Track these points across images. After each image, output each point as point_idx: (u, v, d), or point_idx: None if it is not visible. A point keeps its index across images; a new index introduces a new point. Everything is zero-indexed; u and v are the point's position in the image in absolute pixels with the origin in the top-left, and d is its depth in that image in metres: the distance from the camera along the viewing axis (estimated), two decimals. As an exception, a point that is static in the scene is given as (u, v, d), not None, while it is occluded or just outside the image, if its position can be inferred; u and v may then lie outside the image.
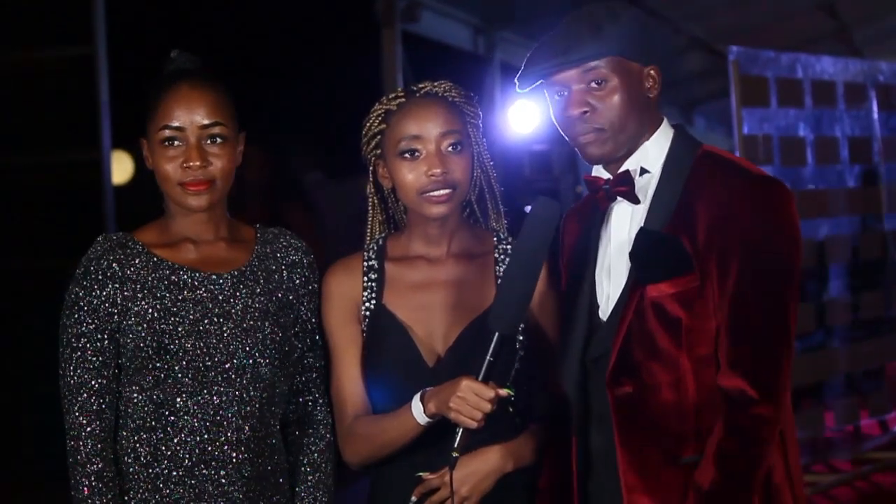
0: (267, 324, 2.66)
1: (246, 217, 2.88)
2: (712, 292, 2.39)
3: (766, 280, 2.38)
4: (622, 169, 2.50)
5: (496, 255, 2.78)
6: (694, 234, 2.40)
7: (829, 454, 7.03)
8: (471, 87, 2.83)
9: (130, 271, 2.63)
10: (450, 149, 2.70)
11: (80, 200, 7.28)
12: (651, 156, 2.51)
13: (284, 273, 2.75)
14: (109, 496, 2.57)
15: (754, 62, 6.58)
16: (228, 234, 2.74)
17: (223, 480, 2.61)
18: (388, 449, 2.67)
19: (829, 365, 6.90)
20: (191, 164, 2.61)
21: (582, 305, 2.54)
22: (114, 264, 2.63)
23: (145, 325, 2.60)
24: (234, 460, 2.62)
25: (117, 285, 2.62)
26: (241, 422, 2.62)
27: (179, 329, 2.60)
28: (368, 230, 2.86)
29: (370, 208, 2.86)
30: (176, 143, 2.63)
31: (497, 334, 2.50)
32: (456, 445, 2.52)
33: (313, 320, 2.78)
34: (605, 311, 2.51)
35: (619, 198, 2.51)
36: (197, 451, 2.61)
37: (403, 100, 2.74)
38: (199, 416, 2.60)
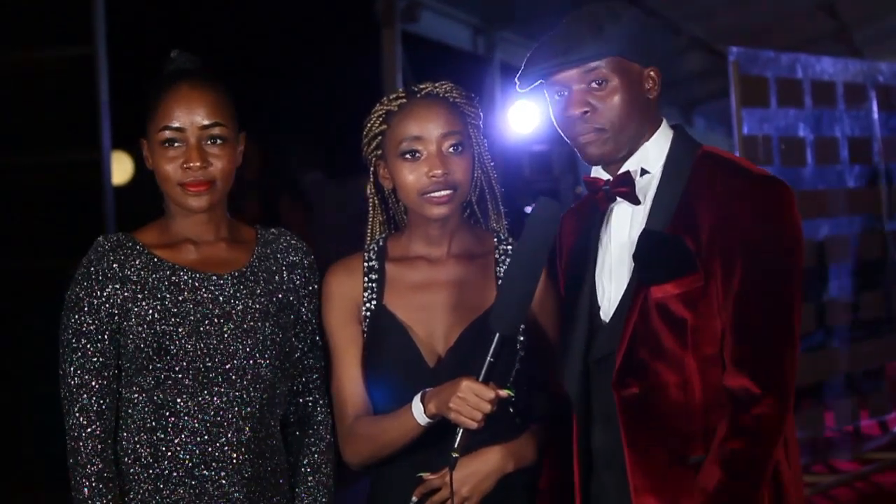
0: (267, 324, 2.66)
1: (245, 217, 2.88)
2: (716, 292, 2.39)
3: (771, 280, 2.38)
4: (622, 170, 2.50)
5: (497, 255, 2.78)
6: (697, 234, 2.40)
7: (829, 454, 7.03)
8: (470, 88, 2.83)
9: (131, 272, 2.63)
10: (451, 150, 2.70)
11: (80, 201, 7.28)
12: (651, 156, 2.51)
13: (285, 274, 2.74)
14: (110, 497, 2.57)
15: (754, 62, 6.58)
16: (229, 234, 2.74)
17: (223, 481, 2.61)
18: (389, 449, 2.67)
19: (829, 365, 6.90)
20: (191, 164, 2.61)
21: (582, 306, 2.54)
22: (114, 265, 2.63)
23: (146, 326, 2.59)
24: (235, 461, 2.62)
25: (118, 286, 2.61)
26: (241, 422, 2.62)
27: (180, 330, 2.60)
28: (369, 230, 2.86)
29: (371, 209, 2.86)
30: (176, 143, 2.62)
31: (498, 335, 2.50)
32: (456, 446, 2.52)
33: (314, 321, 2.78)
34: (606, 312, 2.50)
35: (618, 199, 2.51)
36: (197, 451, 2.61)
37: (404, 100, 2.74)
38: (200, 416, 2.60)
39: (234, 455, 2.62)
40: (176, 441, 2.60)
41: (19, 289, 7.39)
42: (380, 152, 2.77)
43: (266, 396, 2.65)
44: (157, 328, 2.59)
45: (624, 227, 2.51)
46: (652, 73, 2.50)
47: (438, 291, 2.75)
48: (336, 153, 7.78)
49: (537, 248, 2.51)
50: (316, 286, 2.79)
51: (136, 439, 2.62)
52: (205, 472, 2.61)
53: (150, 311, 2.60)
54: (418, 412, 2.58)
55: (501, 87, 10.65)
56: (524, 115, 10.10)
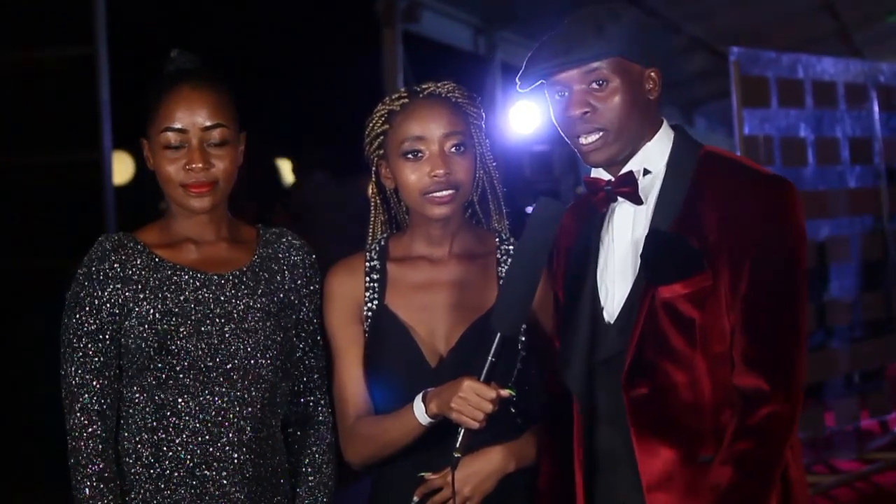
0: (268, 324, 2.66)
1: (246, 216, 2.87)
2: (724, 291, 2.39)
3: (779, 279, 2.39)
4: (625, 170, 2.50)
5: (498, 255, 2.78)
6: (702, 234, 2.40)
7: (829, 454, 7.03)
8: (471, 88, 2.83)
9: (132, 272, 2.63)
10: (453, 149, 2.70)
11: (81, 200, 7.29)
12: (654, 156, 2.51)
13: (286, 273, 2.74)
14: (111, 497, 2.57)
15: (755, 63, 6.58)
16: (230, 234, 2.73)
17: (224, 481, 2.61)
18: (390, 449, 2.67)
19: (829, 365, 6.90)
20: (193, 166, 2.61)
21: (584, 308, 2.54)
22: (115, 264, 2.62)
23: (147, 326, 2.59)
24: (236, 461, 2.62)
25: (119, 285, 2.61)
26: (242, 422, 2.62)
27: (181, 330, 2.60)
28: (371, 230, 2.86)
29: (372, 208, 2.86)
30: (178, 145, 2.62)
31: (499, 335, 2.50)
32: (458, 446, 2.52)
33: (315, 321, 2.78)
34: (610, 313, 2.50)
35: (619, 199, 2.51)
36: (198, 451, 2.60)
37: (407, 100, 2.73)
38: (201, 416, 2.60)
39: (236, 455, 2.62)
40: (177, 441, 2.60)
41: (19, 289, 7.39)
42: (382, 152, 2.77)
43: (267, 396, 2.65)
44: (159, 328, 2.59)
45: (626, 227, 2.51)
46: (653, 73, 2.50)
47: (440, 291, 2.74)
48: (336, 153, 7.79)
49: (538, 248, 2.51)
50: (317, 286, 2.79)
51: (137, 439, 2.62)
52: (206, 472, 2.61)
53: (152, 311, 2.60)
54: (420, 412, 2.58)
55: (502, 87, 10.66)
56: (525, 116, 10.11)
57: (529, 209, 2.53)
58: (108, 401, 2.61)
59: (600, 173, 2.54)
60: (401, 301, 2.75)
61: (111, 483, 2.58)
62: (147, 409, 2.61)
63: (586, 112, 2.45)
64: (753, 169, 2.47)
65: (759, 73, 6.58)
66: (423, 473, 2.66)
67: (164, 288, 2.62)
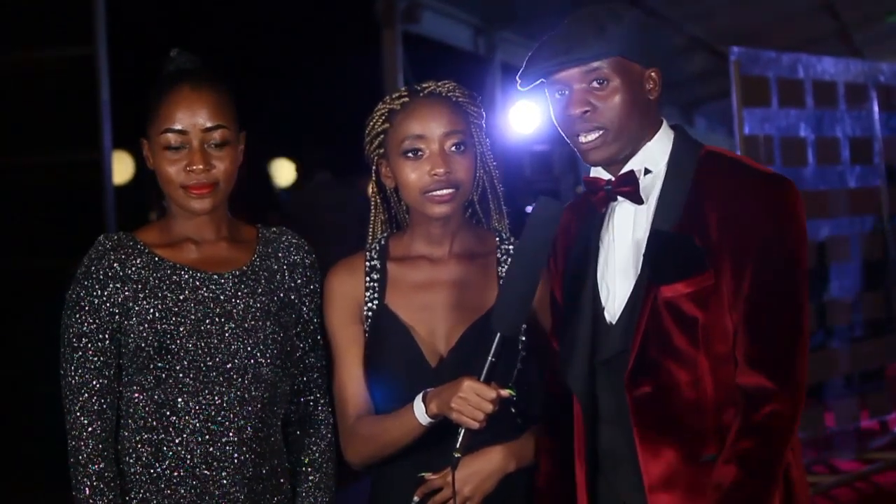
0: (268, 324, 2.66)
1: (245, 216, 2.87)
2: (727, 290, 2.39)
3: (782, 278, 2.39)
4: (626, 169, 2.50)
5: (498, 255, 2.78)
6: (705, 233, 2.40)
7: (829, 455, 7.03)
8: (471, 88, 2.83)
9: (132, 271, 2.63)
10: (453, 148, 2.70)
11: (81, 200, 7.28)
12: (654, 156, 2.51)
13: (286, 273, 2.74)
14: (111, 496, 2.57)
15: (755, 62, 6.58)
16: (230, 233, 2.73)
17: (225, 481, 2.61)
18: (390, 449, 2.67)
19: (829, 365, 6.90)
20: (194, 167, 2.60)
21: (585, 307, 2.53)
22: (115, 264, 2.62)
23: (147, 325, 2.59)
24: (236, 461, 2.62)
25: (118, 285, 2.61)
26: (242, 422, 2.62)
27: (181, 329, 2.60)
28: (371, 230, 2.86)
29: (372, 208, 2.86)
30: (178, 146, 2.62)
31: (499, 335, 2.50)
32: (458, 446, 2.52)
33: (315, 320, 2.78)
34: (611, 313, 2.50)
35: (620, 198, 2.51)
36: (199, 451, 2.60)
37: (407, 99, 2.74)
38: (201, 416, 2.60)
39: (236, 454, 2.62)
40: (177, 441, 2.60)
41: (19, 289, 7.39)
42: (382, 151, 2.77)
43: (267, 396, 2.65)
44: (158, 327, 2.59)
45: (627, 227, 2.50)
46: (653, 74, 2.50)
47: (440, 291, 2.74)
48: (337, 153, 7.79)
49: (538, 248, 2.50)
50: (317, 285, 2.79)
51: (137, 439, 2.61)
52: (206, 471, 2.60)
53: (151, 311, 2.60)
54: (420, 412, 2.58)
55: (502, 87, 10.66)
56: (525, 115, 10.11)
57: (529, 209, 2.53)
58: (108, 400, 2.61)
59: (600, 173, 2.54)
60: (401, 301, 2.75)
61: (111, 483, 2.58)
62: (147, 409, 2.61)
63: (586, 111, 2.45)
64: (754, 168, 2.47)
65: (760, 72, 6.58)
66: (423, 473, 2.66)
67: (164, 287, 2.62)
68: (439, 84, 2.75)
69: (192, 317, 2.61)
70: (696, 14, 10.17)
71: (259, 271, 2.70)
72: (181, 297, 2.62)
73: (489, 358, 2.49)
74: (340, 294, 2.78)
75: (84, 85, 7.25)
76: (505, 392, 2.50)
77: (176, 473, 2.60)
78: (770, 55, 6.70)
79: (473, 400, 2.48)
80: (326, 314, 2.78)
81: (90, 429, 2.58)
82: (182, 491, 2.60)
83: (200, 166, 2.60)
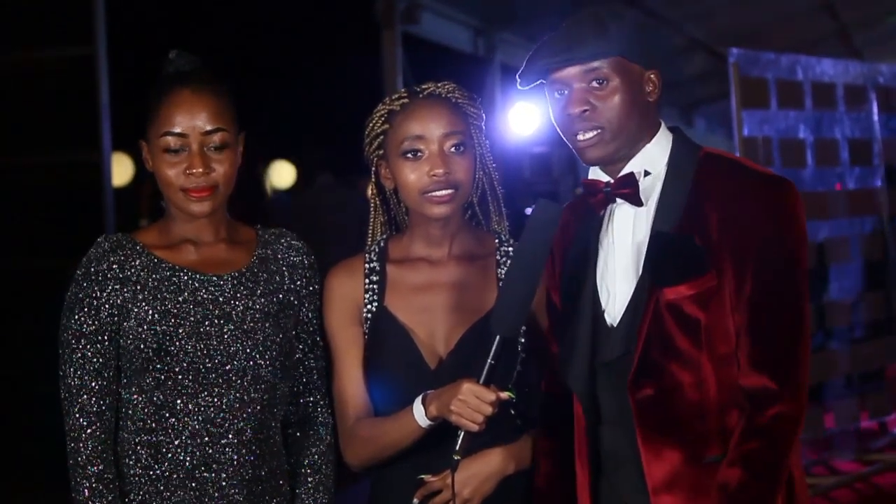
0: (268, 325, 2.66)
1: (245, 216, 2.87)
2: (729, 291, 2.39)
3: (783, 279, 2.39)
4: (625, 171, 2.50)
5: (498, 257, 2.78)
6: (706, 234, 2.40)
7: (829, 456, 7.03)
8: (471, 89, 2.83)
9: (131, 272, 2.63)
10: (452, 149, 2.70)
11: (81, 201, 7.28)
12: (654, 158, 2.51)
13: (285, 274, 2.74)
14: (110, 498, 2.57)
15: (754, 64, 6.59)
16: (229, 235, 2.73)
17: (224, 483, 2.61)
18: (390, 451, 2.67)
19: (829, 366, 6.90)
20: (194, 170, 2.60)
21: (584, 309, 2.53)
22: (114, 265, 2.62)
23: (145, 327, 2.59)
24: (235, 462, 2.62)
25: (117, 286, 2.61)
26: (241, 424, 2.62)
27: (180, 331, 2.60)
28: (370, 231, 2.86)
29: (372, 209, 2.86)
30: (178, 149, 2.61)
31: (498, 337, 2.50)
32: (457, 448, 2.52)
33: (314, 321, 2.78)
34: (612, 316, 2.50)
35: (619, 200, 2.51)
36: (198, 453, 2.60)
37: (407, 100, 2.74)
38: (200, 418, 2.60)
39: (235, 456, 2.62)
40: (176, 442, 2.60)
41: (19, 289, 7.39)
42: (381, 152, 2.77)
43: (266, 397, 2.65)
44: (157, 329, 2.59)
45: (627, 229, 2.50)
46: (653, 75, 2.50)
47: (439, 293, 2.75)
48: (337, 154, 7.79)
49: (537, 250, 2.50)
50: (317, 286, 2.79)
51: (136, 440, 2.61)
52: (205, 473, 2.60)
53: (150, 312, 2.60)
54: (419, 414, 2.58)
55: (502, 88, 10.66)
56: (524, 117, 10.12)
57: (529, 211, 2.53)
58: (107, 402, 2.60)
59: (599, 175, 2.54)
60: (400, 303, 2.75)
61: (110, 484, 2.58)
62: (146, 411, 2.61)
63: (585, 110, 2.45)
64: (754, 169, 2.47)
65: (759, 74, 6.58)
66: (422, 475, 2.67)
67: (163, 289, 2.62)
68: (439, 85, 2.76)
69: (192, 318, 2.61)
70: (695, 15, 10.16)
71: (258, 273, 2.70)
72: (180, 299, 2.62)
73: (488, 360, 2.49)
74: (340, 296, 2.78)
75: (84, 85, 7.25)
76: (504, 394, 2.51)
77: (175, 475, 2.60)
78: (769, 56, 6.70)
79: (473, 402, 2.48)
80: (326, 316, 2.78)
81: (89, 430, 2.58)
82: (181, 493, 2.60)
83: (200, 169, 2.60)
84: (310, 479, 2.77)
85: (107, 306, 2.60)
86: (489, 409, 2.48)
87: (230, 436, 2.61)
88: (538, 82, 2.53)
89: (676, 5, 9.67)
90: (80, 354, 2.59)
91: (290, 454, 2.78)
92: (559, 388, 2.60)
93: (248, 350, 2.62)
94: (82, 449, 2.57)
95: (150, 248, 2.67)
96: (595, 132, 2.46)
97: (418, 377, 2.67)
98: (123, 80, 7.46)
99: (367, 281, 2.78)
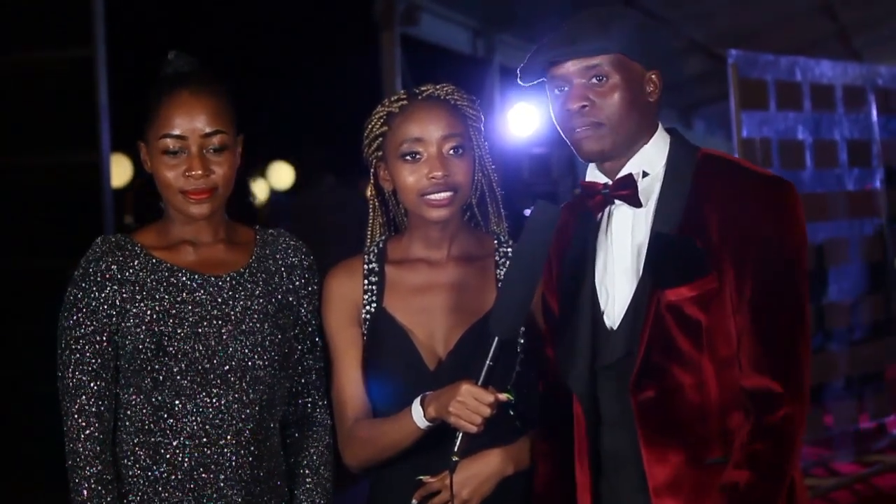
0: (266, 325, 2.66)
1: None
2: (730, 292, 2.39)
3: (784, 280, 2.39)
4: (624, 172, 2.50)
5: (497, 258, 2.78)
6: (706, 235, 2.40)
7: (828, 457, 7.03)
8: (470, 90, 2.83)
9: (129, 273, 2.62)
10: (451, 152, 2.70)
11: (80, 202, 7.29)
12: (652, 159, 2.51)
13: (284, 274, 2.74)
14: (109, 499, 2.57)
15: (753, 65, 6.59)
16: (227, 236, 2.73)
17: (222, 484, 2.61)
18: (388, 452, 2.67)
19: (828, 367, 6.90)
20: (193, 173, 2.60)
21: (583, 311, 2.53)
22: (112, 266, 2.62)
23: (144, 327, 2.59)
24: (234, 463, 2.62)
25: (116, 287, 2.61)
26: (240, 424, 2.62)
27: (178, 331, 2.59)
28: (369, 233, 2.86)
29: (371, 210, 2.86)
30: (177, 151, 2.61)
31: (497, 339, 2.50)
32: (456, 449, 2.52)
33: (313, 322, 2.78)
34: (611, 318, 2.50)
35: (617, 202, 2.51)
36: (196, 454, 2.60)
37: (406, 102, 2.74)
38: (198, 418, 2.60)
39: (234, 457, 2.61)
40: (174, 443, 2.60)
41: (19, 289, 7.39)
42: (380, 154, 2.77)
43: (265, 398, 2.65)
44: (156, 329, 2.59)
45: (626, 231, 2.50)
46: (654, 76, 2.50)
47: (438, 294, 2.75)
48: (336, 154, 7.80)
49: (536, 251, 2.50)
50: (315, 287, 2.79)
51: (135, 441, 2.61)
52: (203, 474, 2.60)
53: (149, 312, 2.60)
54: (418, 416, 2.58)
55: (501, 89, 10.66)
56: (523, 118, 10.12)
57: (527, 212, 2.53)
58: (106, 402, 2.60)
59: (597, 176, 2.54)
60: (399, 304, 2.75)
61: (109, 485, 2.57)
62: (144, 411, 2.61)
63: (584, 106, 2.45)
64: (753, 170, 2.48)
65: (758, 75, 6.58)
66: (421, 476, 2.67)
67: (162, 289, 2.62)
68: (438, 87, 2.76)
69: (190, 319, 2.61)
70: (694, 16, 10.16)
71: (257, 273, 2.70)
72: (178, 300, 2.62)
73: (487, 362, 2.49)
74: (339, 296, 2.78)
75: (83, 86, 7.25)
76: (503, 396, 2.51)
77: (173, 476, 2.60)
78: (768, 58, 6.70)
79: (471, 404, 2.48)
80: (325, 317, 2.79)
81: (88, 431, 2.58)
82: (179, 494, 2.60)
83: (199, 172, 2.60)
84: (308, 480, 2.77)
85: (105, 307, 2.60)
86: (487, 411, 2.49)
87: (228, 436, 2.61)
88: (539, 80, 2.53)
89: (675, 6, 9.68)
90: (78, 355, 2.59)
91: (288, 455, 2.78)
92: (558, 389, 2.60)
93: (246, 350, 2.62)
94: (81, 450, 2.57)
95: (148, 248, 2.67)
96: (593, 128, 2.46)
97: (417, 378, 2.67)
98: (123, 80, 7.46)
99: (366, 282, 2.78)
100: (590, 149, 2.47)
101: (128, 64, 7.96)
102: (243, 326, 2.63)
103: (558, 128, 2.52)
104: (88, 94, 7.23)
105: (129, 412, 2.62)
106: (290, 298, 2.74)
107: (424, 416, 2.57)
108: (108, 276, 2.61)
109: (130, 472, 2.61)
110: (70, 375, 2.59)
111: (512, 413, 2.71)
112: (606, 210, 2.53)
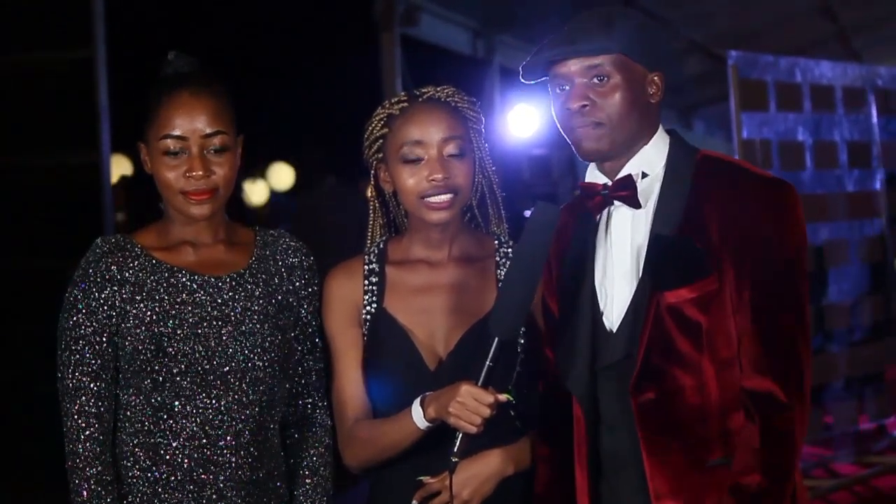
0: (266, 326, 2.66)
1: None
2: (730, 294, 2.39)
3: (784, 281, 2.39)
4: (623, 172, 2.50)
5: (497, 259, 2.79)
6: (706, 237, 2.40)
7: (828, 458, 7.03)
8: (470, 91, 2.83)
9: (129, 273, 2.62)
10: (452, 154, 2.71)
11: (80, 202, 7.29)
12: (651, 160, 2.51)
13: (284, 275, 2.74)
14: (108, 500, 2.57)
15: (753, 66, 6.59)
16: (227, 236, 2.73)
17: (222, 485, 2.61)
18: (389, 453, 2.67)
19: (828, 368, 6.91)
20: (194, 173, 2.60)
21: (583, 313, 2.53)
22: (112, 266, 2.62)
23: (144, 328, 2.59)
24: (233, 464, 2.61)
25: (116, 287, 2.61)
26: (240, 425, 2.62)
27: (178, 332, 2.59)
28: (369, 234, 2.86)
29: (371, 212, 2.86)
30: (178, 151, 2.61)
31: (497, 339, 2.50)
32: (456, 450, 2.52)
33: (314, 323, 2.78)
34: (611, 319, 2.50)
35: (616, 203, 2.51)
36: (196, 455, 2.60)
37: (406, 104, 2.74)
38: (198, 419, 2.59)
39: (233, 458, 2.61)
40: (174, 444, 2.60)
41: (19, 289, 7.39)
42: (381, 155, 2.78)
43: (265, 399, 2.65)
44: (155, 330, 2.59)
45: (625, 232, 2.50)
46: (656, 77, 2.50)
47: (439, 295, 2.75)
48: (337, 155, 7.80)
49: (536, 252, 2.51)
50: (316, 288, 2.79)
51: (135, 442, 2.61)
52: (203, 475, 2.60)
53: (148, 313, 2.60)
54: (418, 416, 2.58)
55: (501, 90, 10.66)
56: (523, 119, 10.12)
57: (528, 213, 2.53)
58: (106, 403, 2.60)
59: (597, 177, 2.54)
60: (399, 304, 2.75)
61: (109, 486, 2.57)
62: (144, 412, 2.61)
63: (585, 105, 2.45)
64: (753, 172, 2.48)
65: (758, 76, 6.59)
66: (421, 477, 2.67)
67: (161, 290, 2.62)
68: (438, 89, 2.76)
69: (190, 319, 2.61)
70: (694, 16, 10.16)
71: (257, 274, 2.70)
72: (178, 300, 2.62)
73: (487, 362, 2.50)
74: (339, 297, 2.78)
75: (83, 87, 7.25)
76: (502, 397, 2.51)
77: (173, 477, 2.60)
78: (768, 59, 6.70)
79: (471, 405, 2.48)
80: (325, 317, 2.79)
81: (87, 432, 2.57)
82: (179, 495, 2.60)
83: (200, 172, 2.60)
84: (308, 481, 2.77)
85: (105, 308, 2.60)
86: (487, 412, 2.49)
87: (228, 437, 2.61)
88: (541, 79, 2.53)
89: (675, 7, 9.68)
90: (78, 356, 2.59)
91: (288, 456, 2.78)
92: (557, 390, 2.60)
93: (246, 351, 2.62)
94: (81, 450, 2.57)
95: (148, 249, 2.67)
96: (593, 128, 2.46)
97: (417, 378, 2.68)
98: (123, 80, 7.46)
99: (366, 282, 2.78)
100: (589, 148, 2.48)
101: (128, 64, 7.97)
102: (243, 327, 2.63)
103: (559, 126, 2.52)
104: (88, 94, 7.23)
105: (128, 413, 2.62)
106: (291, 299, 2.73)
107: (424, 416, 2.57)
108: (107, 276, 2.61)
109: (130, 473, 2.61)
110: (70, 376, 2.59)
111: (512, 413, 2.71)
112: (606, 211, 2.53)
